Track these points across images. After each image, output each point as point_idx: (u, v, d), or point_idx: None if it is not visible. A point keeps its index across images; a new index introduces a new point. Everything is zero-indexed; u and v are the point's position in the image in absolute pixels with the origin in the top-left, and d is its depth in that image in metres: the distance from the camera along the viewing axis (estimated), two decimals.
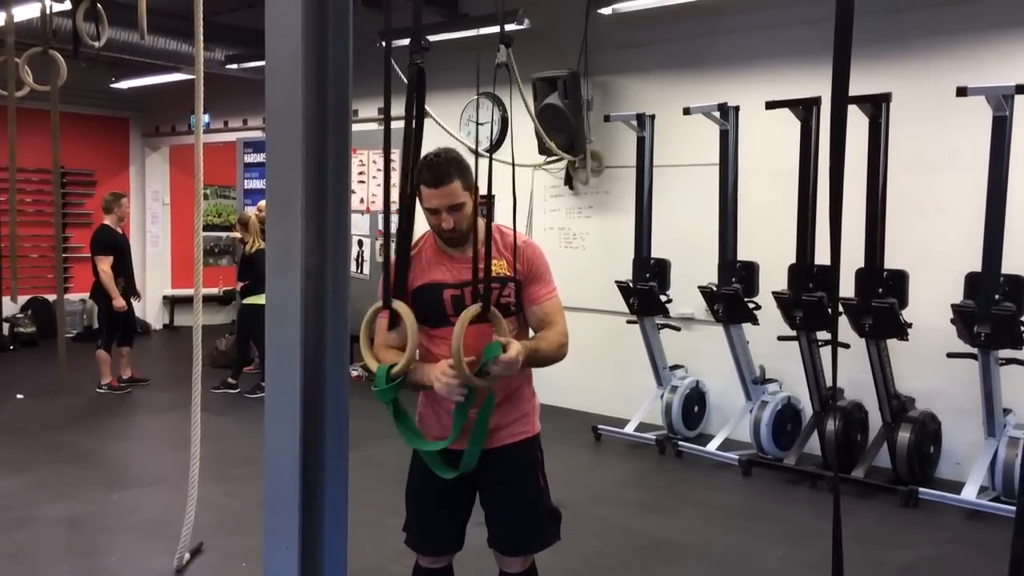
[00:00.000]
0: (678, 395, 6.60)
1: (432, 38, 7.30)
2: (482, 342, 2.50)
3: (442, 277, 2.67)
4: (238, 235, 8.70)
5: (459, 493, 2.78)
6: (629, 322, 6.67)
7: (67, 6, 5.09)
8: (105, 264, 7.85)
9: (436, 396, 2.64)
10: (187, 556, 4.15)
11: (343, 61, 2.65)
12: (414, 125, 2.12)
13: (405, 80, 2.07)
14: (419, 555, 2.88)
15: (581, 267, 7.36)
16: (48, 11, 5.03)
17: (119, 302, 7.90)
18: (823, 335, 5.75)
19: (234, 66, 9.08)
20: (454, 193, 2.58)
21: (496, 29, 5.55)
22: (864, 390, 5.69)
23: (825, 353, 5.76)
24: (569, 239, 7.70)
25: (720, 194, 6.19)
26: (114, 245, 7.99)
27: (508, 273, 2.67)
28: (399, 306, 2.13)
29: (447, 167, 2.59)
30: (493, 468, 2.72)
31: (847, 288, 5.44)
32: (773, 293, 5.82)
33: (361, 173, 9.08)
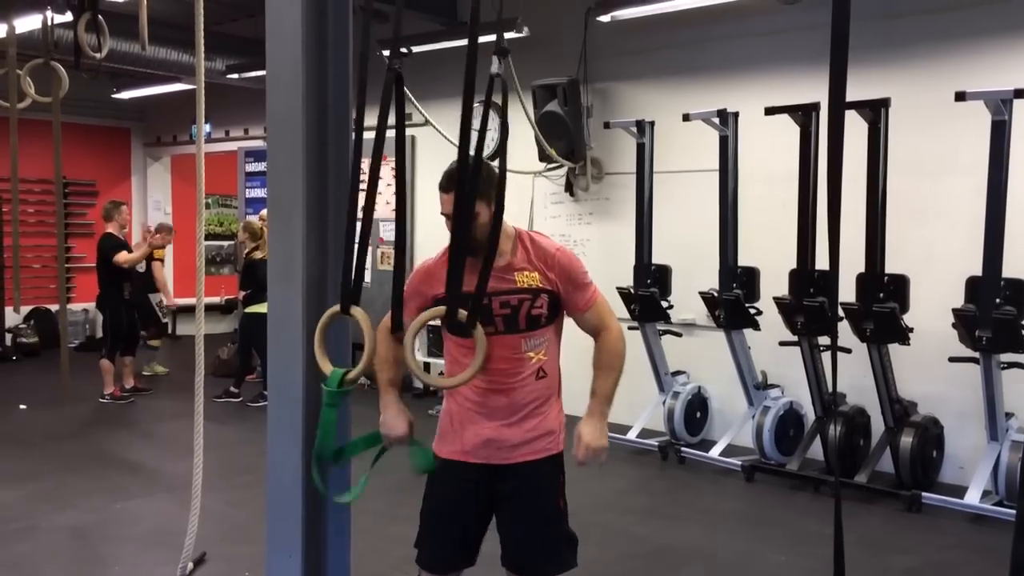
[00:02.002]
0: (680, 401, 6.60)
1: (431, 46, 7.32)
2: (510, 354, 2.55)
3: (469, 287, 2.60)
4: (242, 241, 8.70)
5: (476, 509, 2.71)
6: (630, 328, 6.66)
7: (68, 17, 5.11)
8: (123, 255, 7.91)
9: (455, 409, 2.69)
10: (190, 566, 4.15)
11: (343, 70, 2.66)
12: (390, 132, 2.13)
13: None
14: (427, 573, 2.80)
15: None
16: (49, 22, 5.04)
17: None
18: (824, 340, 5.75)
19: (235, 76, 9.10)
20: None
21: (494, 37, 5.56)
22: (866, 395, 5.69)
23: (827, 358, 5.75)
24: (570, 246, 7.70)
25: (720, 200, 6.19)
26: (122, 246, 8.04)
27: (540, 285, 2.61)
28: (356, 311, 2.08)
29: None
30: (512, 484, 2.67)
31: (848, 293, 5.44)
32: (774, 298, 5.82)
33: (362, 182, 9.10)
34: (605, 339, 2.70)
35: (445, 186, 2.59)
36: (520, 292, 2.59)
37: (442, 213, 2.62)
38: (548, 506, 2.71)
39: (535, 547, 2.70)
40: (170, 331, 12.61)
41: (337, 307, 2.11)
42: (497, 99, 2.04)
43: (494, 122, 7.73)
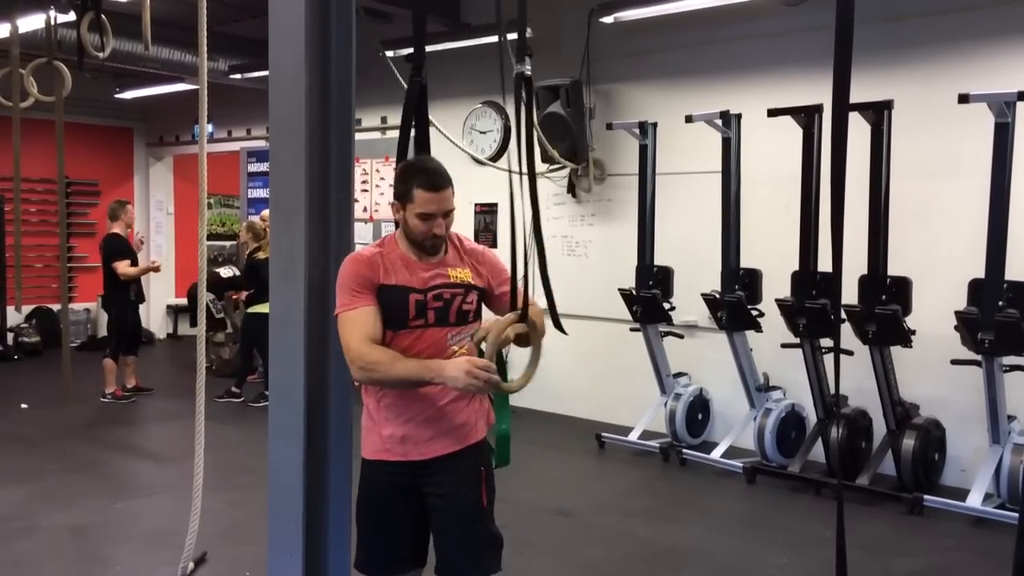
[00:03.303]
0: (682, 403, 6.59)
1: (434, 48, 7.32)
2: (435, 348, 2.55)
3: (408, 281, 2.58)
4: (244, 241, 8.70)
5: (404, 509, 2.64)
6: (632, 330, 6.67)
7: (72, 17, 5.12)
8: (123, 266, 7.91)
9: (372, 406, 2.62)
10: (191, 565, 4.15)
11: (346, 71, 2.67)
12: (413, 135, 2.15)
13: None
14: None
15: (584, 275, 7.36)
16: (53, 22, 5.05)
17: (155, 263, 8.29)
18: (827, 342, 5.74)
19: (237, 76, 9.11)
20: (450, 198, 2.59)
21: (497, 38, 5.55)
22: (868, 397, 5.68)
23: (829, 360, 5.74)
24: (572, 247, 7.71)
25: (723, 201, 6.19)
26: (127, 251, 8.04)
27: (471, 281, 2.65)
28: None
29: (444, 173, 2.60)
30: (431, 480, 2.61)
31: (850, 295, 5.43)
32: (776, 300, 5.81)
33: (364, 182, 9.11)
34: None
35: (431, 186, 2.53)
36: (453, 287, 2.60)
37: (418, 213, 2.53)
38: (471, 503, 2.61)
39: (458, 552, 2.62)
40: (172, 331, 12.64)
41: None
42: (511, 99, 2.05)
43: (496, 123, 7.77)
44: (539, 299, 2.54)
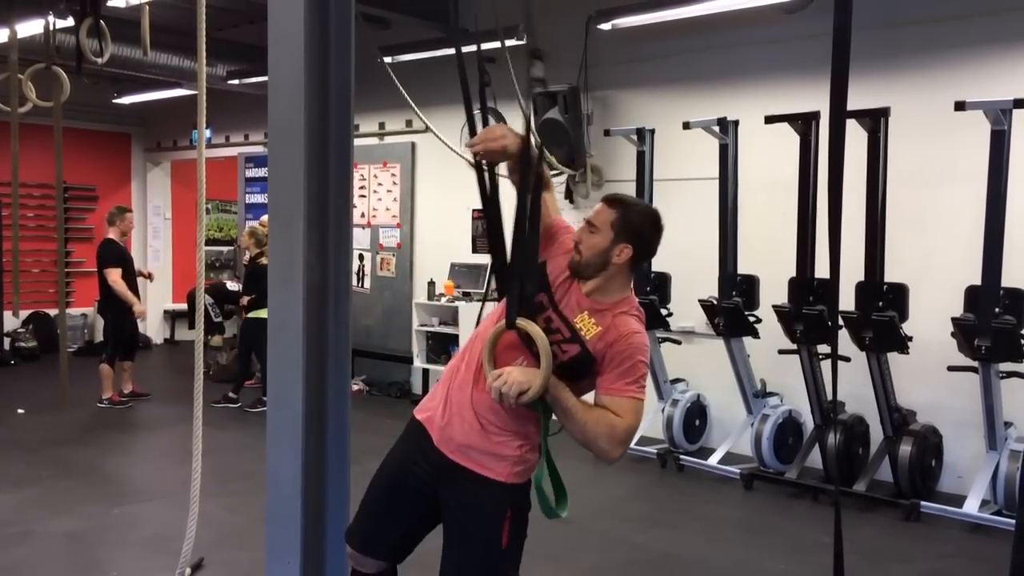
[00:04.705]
0: (679, 409, 6.60)
1: (431, 54, 7.34)
2: (508, 360, 2.42)
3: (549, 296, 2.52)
4: (245, 247, 8.70)
5: (416, 504, 2.59)
6: None
7: (70, 23, 5.12)
8: (115, 275, 7.89)
9: (445, 377, 2.65)
10: (188, 571, 4.14)
11: (345, 77, 2.67)
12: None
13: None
14: (349, 549, 2.61)
15: None
16: (51, 28, 5.06)
17: (140, 307, 8.04)
18: (824, 348, 5.75)
19: (236, 81, 9.12)
20: (602, 216, 2.51)
21: (496, 44, 5.57)
22: (865, 403, 5.69)
23: (826, 366, 5.76)
24: None
25: (720, 208, 6.20)
26: (121, 258, 8.03)
27: (583, 336, 2.41)
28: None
29: (625, 199, 2.59)
30: (452, 493, 2.54)
31: (847, 301, 5.44)
32: (774, 306, 5.82)
33: (362, 188, 9.10)
34: (613, 416, 2.40)
35: (610, 199, 2.55)
36: (567, 326, 2.43)
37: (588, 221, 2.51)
38: (484, 533, 2.50)
39: (450, 566, 2.53)
40: (169, 336, 12.63)
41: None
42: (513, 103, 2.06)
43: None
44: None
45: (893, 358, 5.50)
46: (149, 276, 8.64)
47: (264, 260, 8.01)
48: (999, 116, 4.93)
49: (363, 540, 2.64)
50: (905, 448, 5.43)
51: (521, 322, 2.32)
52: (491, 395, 2.36)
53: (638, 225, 2.49)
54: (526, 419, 2.49)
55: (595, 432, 2.37)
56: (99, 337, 10.22)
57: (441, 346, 8.26)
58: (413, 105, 5.01)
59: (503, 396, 2.32)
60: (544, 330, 2.34)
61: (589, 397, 2.47)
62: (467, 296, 8.07)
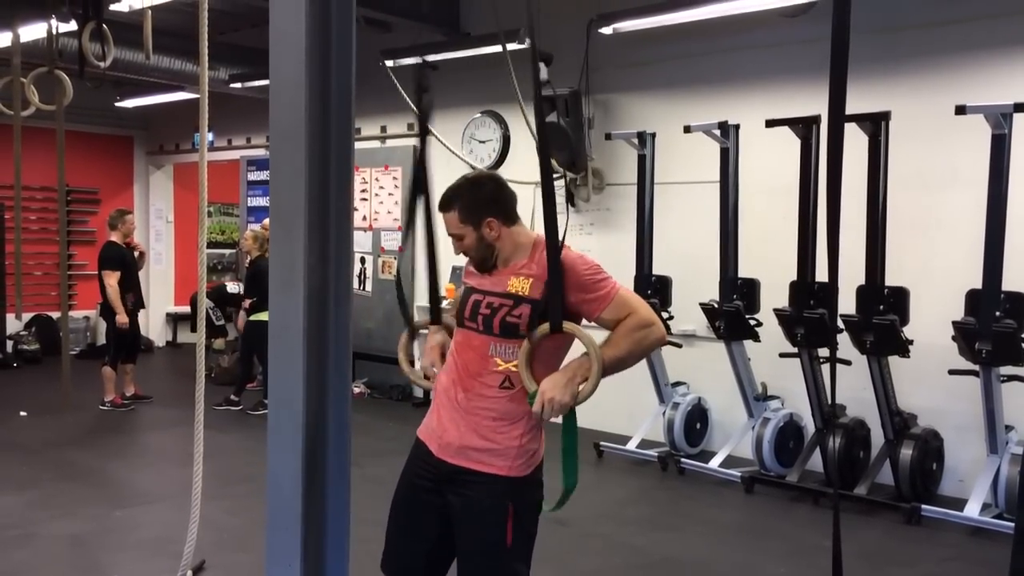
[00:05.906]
0: (680, 412, 6.60)
1: (434, 57, 7.35)
2: (477, 354, 2.54)
3: (478, 283, 2.65)
4: (248, 250, 8.70)
5: (428, 518, 2.61)
6: None
7: (73, 27, 5.14)
8: (112, 279, 7.89)
9: (436, 389, 2.68)
10: (189, 574, 4.15)
11: (346, 80, 2.68)
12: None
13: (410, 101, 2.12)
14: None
15: None
16: (54, 31, 5.07)
17: (123, 318, 7.95)
18: (824, 352, 5.75)
19: (238, 85, 9.14)
20: (450, 223, 2.63)
21: (498, 48, 5.58)
22: (866, 407, 5.69)
23: (827, 370, 5.76)
24: None
25: (721, 211, 6.21)
26: (121, 261, 8.03)
27: (524, 293, 2.51)
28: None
29: (450, 194, 2.64)
30: (455, 494, 2.56)
31: (848, 305, 5.45)
32: (774, 310, 5.82)
33: (363, 191, 9.12)
34: (624, 322, 2.48)
35: (438, 205, 2.62)
36: (503, 296, 2.55)
37: (449, 233, 2.65)
38: (488, 534, 2.51)
39: (464, 562, 2.57)
40: (171, 339, 12.64)
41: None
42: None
43: (496, 132, 7.80)
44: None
45: (894, 362, 5.50)
46: (141, 255, 8.51)
47: (265, 256, 8.03)
48: (999, 120, 4.93)
49: (397, 564, 2.69)
50: (906, 452, 5.43)
51: (568, 325, 2.40)
52: (540, 411, 2.44)
53: (478, 200, 2.62)
54: (516, 395, 2.55)
55: (638, 345, 2.49)
56: (101, 340, 10.23)
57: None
58: (414, 108, 5.03)
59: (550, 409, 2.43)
60: (487, 313, 2.51)
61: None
62: None
